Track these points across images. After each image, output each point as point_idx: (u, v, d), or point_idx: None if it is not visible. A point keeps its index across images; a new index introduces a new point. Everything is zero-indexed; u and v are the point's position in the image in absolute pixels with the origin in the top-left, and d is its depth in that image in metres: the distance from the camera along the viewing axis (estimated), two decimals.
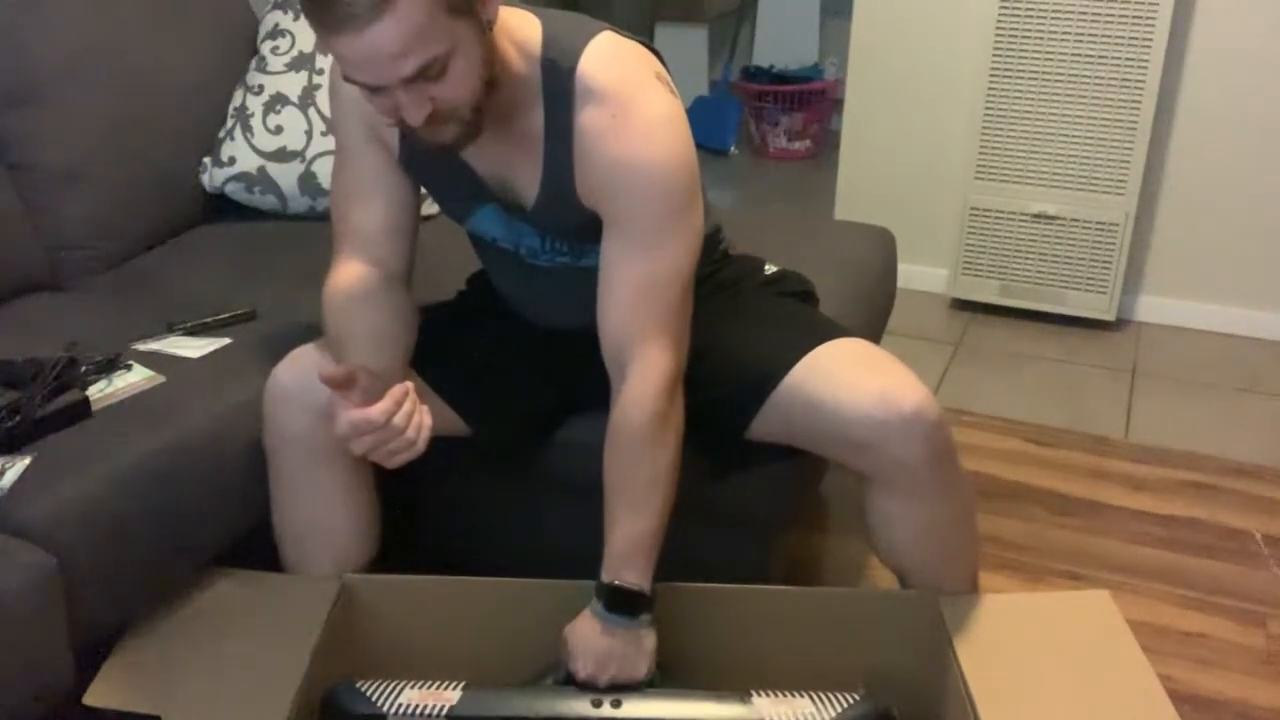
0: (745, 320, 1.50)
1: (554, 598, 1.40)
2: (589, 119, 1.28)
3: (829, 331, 1.46)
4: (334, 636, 1.37)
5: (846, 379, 1.35)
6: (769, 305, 1.55)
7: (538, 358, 1.56)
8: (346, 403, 1.21)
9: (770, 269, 1.65)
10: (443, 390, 1.47)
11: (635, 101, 1.27)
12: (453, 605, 1.45)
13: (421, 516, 1.78)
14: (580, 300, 1.47)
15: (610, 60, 1.29)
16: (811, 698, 1.26)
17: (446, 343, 1.51)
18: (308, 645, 1.32)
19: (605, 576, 1.32)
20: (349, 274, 1.41)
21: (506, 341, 1.56)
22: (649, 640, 1.33)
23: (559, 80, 1.28)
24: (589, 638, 1.32)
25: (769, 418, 1.41)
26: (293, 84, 2.11)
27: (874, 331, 2.01)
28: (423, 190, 1.50)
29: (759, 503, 1.55)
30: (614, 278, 1.33)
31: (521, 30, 1.29)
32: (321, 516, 1.45)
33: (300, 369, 1.39)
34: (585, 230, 1.37)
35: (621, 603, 1.31)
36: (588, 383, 1.57)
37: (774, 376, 1.40)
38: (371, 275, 1.41)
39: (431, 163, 1.40)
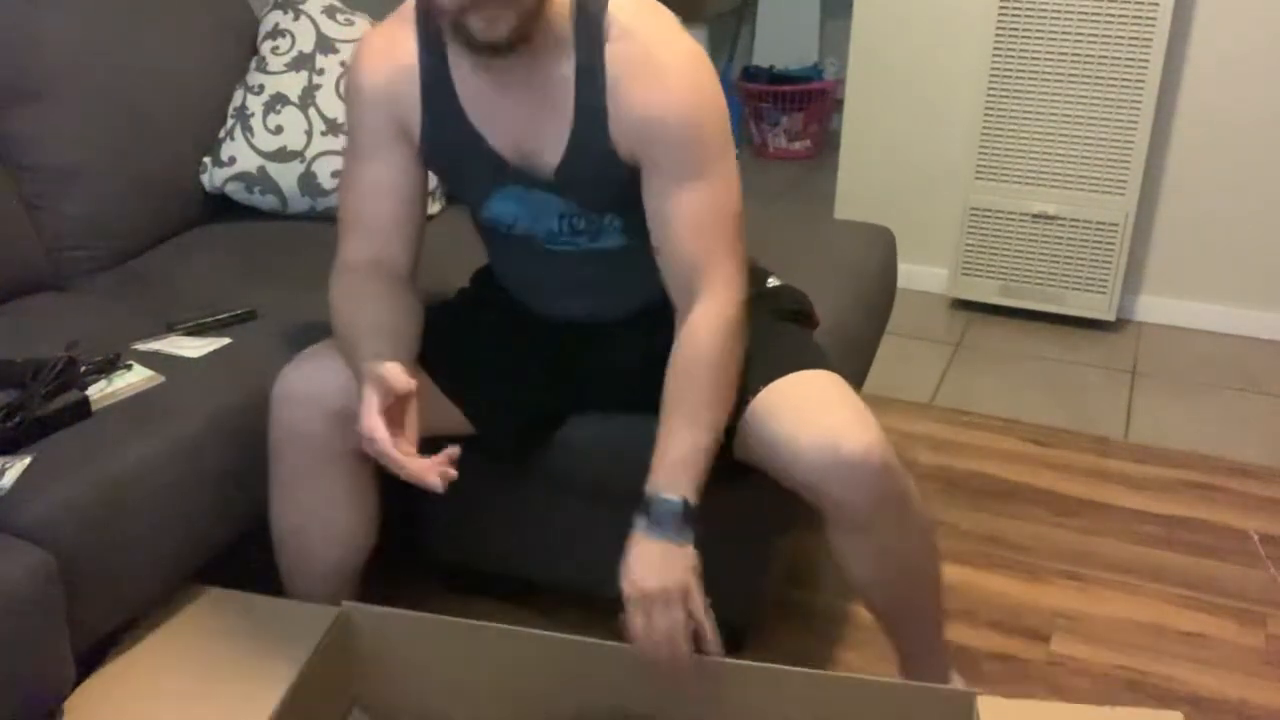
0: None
1: (566, 654, 1.36)
2: (621, 56, 1.32)
3: (799, 361, 1.42)
4: (322, 668, 1.35)
5: (798, 415, 1.33)
6: (761, 323, 1.50)
7: (544, 357, 1.56)
8: (374, 411, 1.24)
9: (772, 282, 1.63)
10: (449, 390, 1.47)
11: (666, 40, 1.33)
12: (454, 648, 1.39)
13: (423, 516, 1.78)
14: (593, 286, 1.46)
15: (639, 4, 1.35)
16: None
17: (453, 341, 1.51)
18: (289, 677, 1.30)
19: (649, 489, 1.30)
20: (355, 270, 1.43)
21: (513, 341, 1.56)
22: (690, 553, 1.28)
23: (589, 23, 1.33)
24: (633, 553, 1.30)
25: (742, 445, 1.40)
26: (293, 84, 2.11)
27: (874, 331, 2.01)
28: (434, 188, 1.50)
29: (758, 506, 1.55)
30: (670, 210, 1.35)
31: None
32: (323, 515, 1.45)
33: (309, 369, 1.39)
34: (610, 191, 1.39)
35: (663, 513, 1.28)
36: (593, 381, 1.57)
37: (742, 404, 1.38)
38: (378, 271, 1.43)
39: (453, 146, 1.41)
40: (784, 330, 1.54)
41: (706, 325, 1.34)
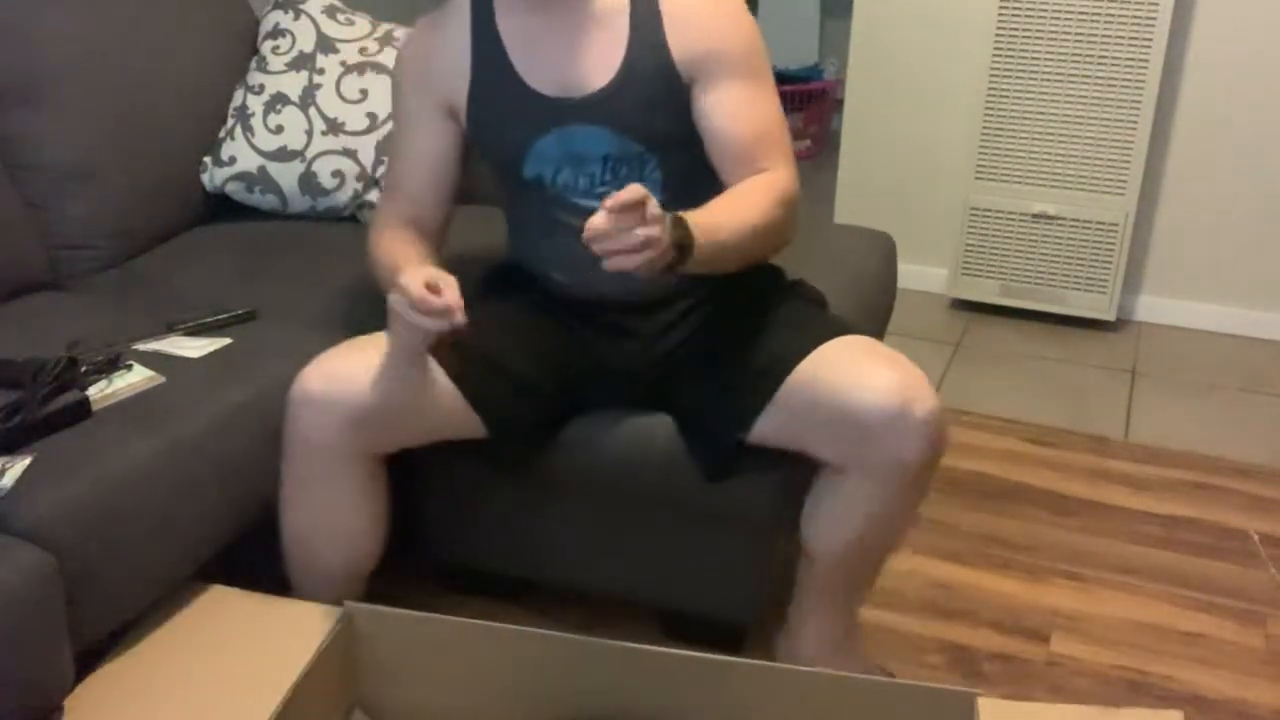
0: (763, 322, 1.51)
1: (566, 654, 1.35)
2: None
3: (843, 328, 1.47)
4: (324, 668, 1.34)
5: (863, 369, 1.36)
6: (785, 307, 1.55)
7: (557, 358, 1.56)
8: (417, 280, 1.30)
9: (789, 278, 1.66)
10: (467, 391, 1.46)
11: None
12: (455, 648, 1.39)
13: (423, 516, 1.78)
14: None
15: None
16: None
17: (472, 345, 1.49)
18: (290, 677, 1.29)
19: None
20: (392, 221, 1.57)
21: (528, 341, 1.55)
22: (670, 239, 1.27)
23: None
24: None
25: (776, 412, 1.41)
26: (293, 83, 2.11)
27: (874, 336, 2.01)
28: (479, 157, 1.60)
29: (757, 503, 1.55)
30: (734, 104, 1.48)
31: None
32: (334, 519, 1.46)
33: (327, 372, 1.39)
34: (659, 113, 1.47)
35: (678, 224, 1.29)
36: (606, 378, 1.57)
37: (785, 367, 1.40)
38: (411, 226, 1.56)
39: (497, 101, 1.51)
40: (815, 310, 1.58)
41: (774, 175, 1.49)
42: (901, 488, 1.38)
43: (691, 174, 1.51)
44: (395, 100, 1.60)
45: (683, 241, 1.29)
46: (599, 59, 1.47)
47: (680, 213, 1.31)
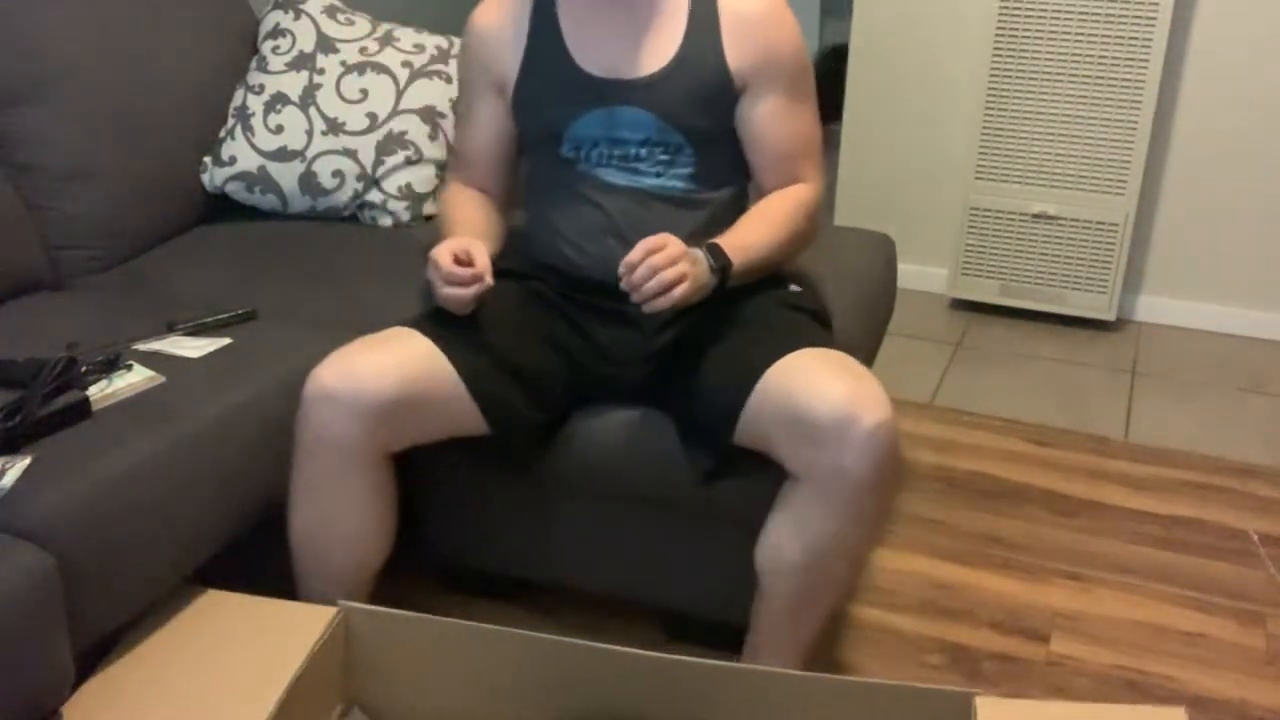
0: (751, 325, 1.51)
1: (565, 655, 1.34)
2: None
3: (821, 340, 1.46)
4: (320, 669, 1.34)
5: (820, 377, 1.36)
6: (775, 313, 1.55)
7: (561, 347, 1.56)
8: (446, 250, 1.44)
9: (792, 288, 1.66)
10: (472, 388, 1.46)
11: None
12: (452, 649, 1.39)
13: (423, 516, 1.78)
14: (641, 232, 1.46)
15: None
16: None
17: (477, 336, 1.49)
18: (288, 678, 1.29)
19: (717, 240, 1.49)
20: (459, 186, 1.71)
21: (533, 334, 1.55)
22: (708, 284, 1.45)
23: None
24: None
25: (752, 416, 1.41)
26: (293, 83, 2.11)
27: (874, 338, 2.01)
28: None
29: (757, 504, 1.55)
30: (782, 118, 1.57)
31: None
32: (343, 517, 1.45)
33: (343, 371, 1.39)
34: (703, 107, 1.54)
35: (716, 261, 1.46)
36: (602, 372, 1.57)
37: (757, 372, 1.41)
38: (476, 191, 1.69)
39: (544, 75, 1.58)
40: (801, 320, 1.57)
41: (806, 188, 1.60)
42: (848, 503, 1.36)
43: (720, 168, 1.59)
44: (460, 73, 1.70)
45: (722, 267, 1.44)
46: (652, 47, 1.53)
47: (715, 239, 1.47)
